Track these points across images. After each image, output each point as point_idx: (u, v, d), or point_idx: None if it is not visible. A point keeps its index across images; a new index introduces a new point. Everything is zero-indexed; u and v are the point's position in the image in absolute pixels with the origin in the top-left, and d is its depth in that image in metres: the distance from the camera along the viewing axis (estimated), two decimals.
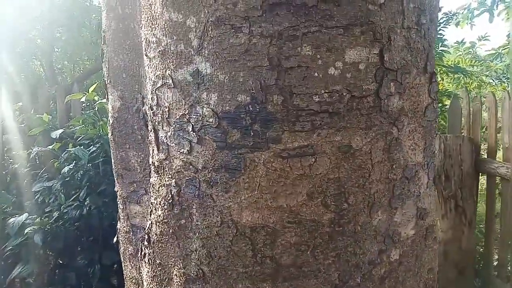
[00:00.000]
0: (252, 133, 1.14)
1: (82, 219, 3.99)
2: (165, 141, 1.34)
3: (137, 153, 1.72)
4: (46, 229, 4.00)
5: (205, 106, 1.18)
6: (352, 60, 1.13)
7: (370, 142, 1.21)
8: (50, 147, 3.75)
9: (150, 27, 1.34)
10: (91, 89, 3.94)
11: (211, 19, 1.13)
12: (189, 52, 1.20)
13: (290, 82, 1.10)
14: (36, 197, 4.28)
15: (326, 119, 1.13)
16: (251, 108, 1.13)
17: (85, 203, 3.98)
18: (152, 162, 1.47)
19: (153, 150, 1.45)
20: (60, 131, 4.24)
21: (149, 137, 1.49)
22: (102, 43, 1.77)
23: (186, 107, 1.24)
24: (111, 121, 1.78)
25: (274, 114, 1.12)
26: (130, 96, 1.67)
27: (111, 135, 1.79)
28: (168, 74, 1.27)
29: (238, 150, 1.16)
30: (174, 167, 1.32)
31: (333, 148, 1.16)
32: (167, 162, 1.35)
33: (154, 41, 1.32)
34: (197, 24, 1.17)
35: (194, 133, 1.22)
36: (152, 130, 1.42)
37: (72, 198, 4.06)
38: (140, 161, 1.73)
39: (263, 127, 1.13)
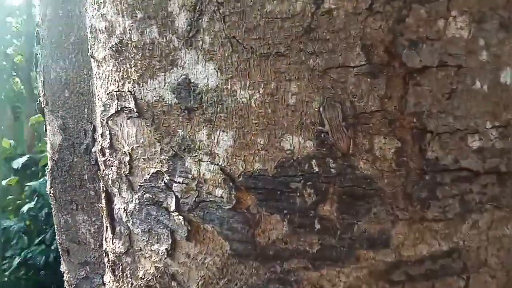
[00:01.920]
0: (318, 225, 0.48)
1: (50, 266, 3.28)
2: (124, 219, 0.69)
3: (89, 218, 1.06)
4: (5, 280, 3.29)
5: (206, 158, 0.53)
6: None
7: None
8: (4, 182, 3.05)
9: (97, 3, 0.69)
10: None
11: None
12: (169, 42, 0.55)
13: (418, 105, 0.45)
14: None
15: (492, 189, 0.48)
16: (316, 168, 0.47)
17: (52, 247, 3.27)
18: (105, 249, 0.81)
19: (106, 227, 0.79)
20: (25, 158, 3.55)
21: (102, 203, 0.83)
22: (36, 43, 1.12)
23: (163, 157, 0.58)
24: (49, 166, 1.12)
25: (373, 181, 0.46)
26: (75, 126, 1.02)
27: (50, 187, 1.13)
28: (128, 89, 0.62)
29: (284, 262, 0.50)
30: (141, 275, 0.66)
31: (501, 252, 0.51)
32: (129, 260, 0.69)
33: (103, 28, 0.67)
34: None
35: (179, 217, 0.56)
36: (104, 192, 0.76)
37: (37, 241, 3.36)
38: (94, 232, 1.07)
39: (346, 212, 0.47)
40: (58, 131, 1.05)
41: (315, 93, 0.46)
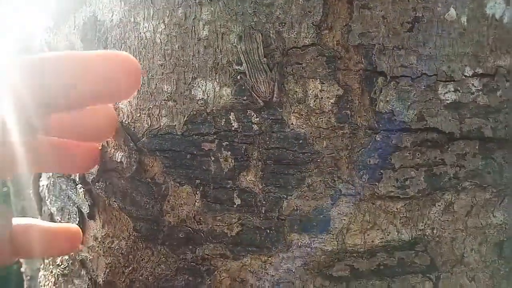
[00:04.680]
0: (238, 200, 0.37)
1: None
2: (46, 198, 0.58)
3: None
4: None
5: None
6: None
7: None
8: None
9: None
10: None
11: None
12: None
13: (366, 36, 0.33)
14: None
15: (473, 161, 0.36)
16: (234, 124, 0.36)
17: None
18: None
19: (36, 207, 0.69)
20: None
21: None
22: None
23: None
24: None
25: (307, 142, 0.35)
26: None
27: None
28: (45, 40, 0.52)
29: (196, 248, 0.39)
30: (59, 261, 0.55)
31: (483, 246, 0.38)
32: None
33: None
34: None
35: (81, 189, 0.46)
36: None
37: None
38: None
39: (272, 183, 0.36)
40: None
41: (232, 21, 0.34)
